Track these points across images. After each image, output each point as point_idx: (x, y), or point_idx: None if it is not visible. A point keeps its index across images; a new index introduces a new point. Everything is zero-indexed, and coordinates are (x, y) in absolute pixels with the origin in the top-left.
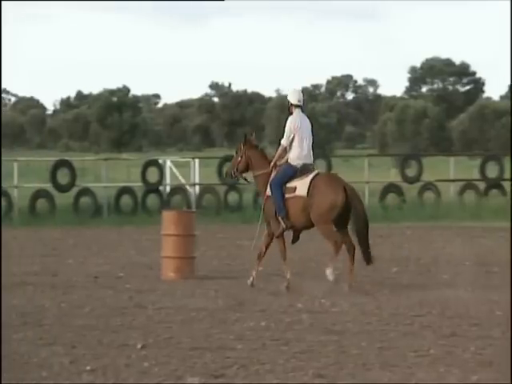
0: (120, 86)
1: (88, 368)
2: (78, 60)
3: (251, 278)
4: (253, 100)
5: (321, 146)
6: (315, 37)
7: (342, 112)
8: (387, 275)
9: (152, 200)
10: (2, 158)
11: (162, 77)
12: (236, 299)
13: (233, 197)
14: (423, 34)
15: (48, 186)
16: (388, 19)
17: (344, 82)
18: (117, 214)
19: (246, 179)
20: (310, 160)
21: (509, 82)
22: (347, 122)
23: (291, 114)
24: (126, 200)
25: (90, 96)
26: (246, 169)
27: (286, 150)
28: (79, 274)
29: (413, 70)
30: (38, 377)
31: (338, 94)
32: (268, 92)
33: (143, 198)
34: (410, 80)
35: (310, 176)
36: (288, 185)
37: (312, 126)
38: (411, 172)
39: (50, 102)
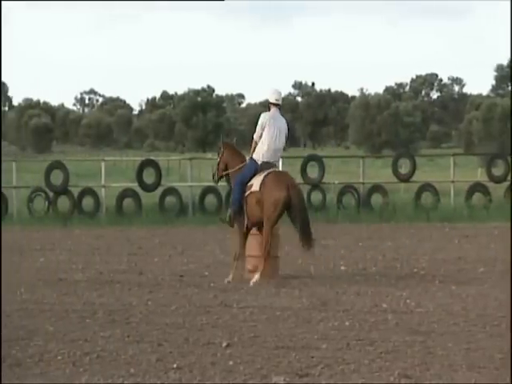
0: (204, 86)
1: (174, 366)
2: (164, 61)
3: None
4: (336, 99)
5: (405, 146)
6: (399, 35)
7: (427, 111)
8: (474, 275)
9: None
10: (91, 158)
11: (245, 77)
12: (320, 299)
13: (316, 196)
14: (510, 32)
15: (134, 185)
16: (474, 17)
17: (429, 80)
18: (202, 213)
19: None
20: (273, 158)
21: None
22: (432, 121)
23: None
24: (210, 199)
25: (175, 96)
26: (226, 169)
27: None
28: (165, 273)
29: (499, 67)
30: (126, 374)
31: (423, 92)
32: (351, 91)
33: (227, 198)
34: (497, 78)
35: (264, 173)
36: (249, 183)
37: (289, 129)
38: (498, 171)
39: (136, 103)
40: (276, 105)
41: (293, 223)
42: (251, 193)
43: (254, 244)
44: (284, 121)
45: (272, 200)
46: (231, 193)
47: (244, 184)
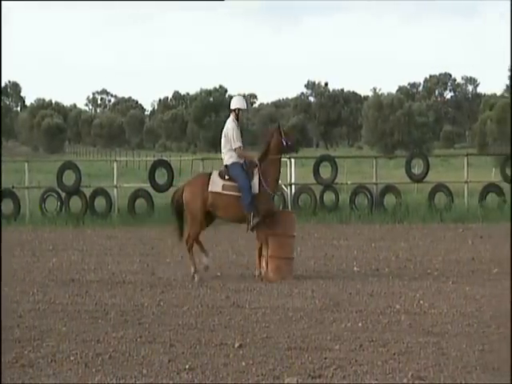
0: (217, 86)
1: (187, 366)
2: (176, 61)
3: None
4: (349, 99)
5: (418, 146)
6: (413, 35)
7: (441, 111)
8: (488, 276)
9: None
10: (103, 158)
11: (258, 77)
12: (333, 299)
13: (329, 196)
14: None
15: (146, 185)
16: (488, 17)
17: (442, 80)
18: None
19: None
20: (224, 160)
21: None
22: (445, 120)
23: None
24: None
25: (187, 96)
26: None
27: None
28: (177, 273)
29: None
30: (139, 374)
31: (436, 92)
32: (364, 91)
33: None
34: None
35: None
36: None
37: (236, 131)
38: None
39: (148, 103)
40: (231, 110)
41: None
42: None
43: (272, 245)
44: (226, 124)
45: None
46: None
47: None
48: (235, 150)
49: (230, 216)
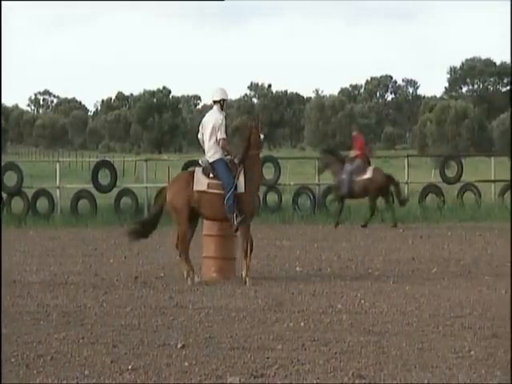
0: (160, 87)
1: (129, 367)
2: (119, 61)
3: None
4: (292, 101)
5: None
6: (354, 37)
7: (382, 112)
8: (427, 276)
9: None
10: (46, 159)
11: (202, 78)
12: (275, 299)
13: (272, 197)
14: (463, 34)
15: (89, 186)
16: (427, 19)
17: (383, 82)
18: None
19: None
20: (209, 153)
21: None
22: (387, 122)
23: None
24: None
25: (130, 97)
26: None
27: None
28: (120, 274)
29: (453, 70)
30: (81, 375)
31: (378, 94)
32: (307, 92)
33: None
34: (450, 80)
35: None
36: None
37: (227, 122)
38: (451, 172)
39: (91, 104)
40: (215, 102)
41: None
42: None
43: (214, 246)
44: (216, 114)
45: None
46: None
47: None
48: (219, 141)
49: (216, 215)
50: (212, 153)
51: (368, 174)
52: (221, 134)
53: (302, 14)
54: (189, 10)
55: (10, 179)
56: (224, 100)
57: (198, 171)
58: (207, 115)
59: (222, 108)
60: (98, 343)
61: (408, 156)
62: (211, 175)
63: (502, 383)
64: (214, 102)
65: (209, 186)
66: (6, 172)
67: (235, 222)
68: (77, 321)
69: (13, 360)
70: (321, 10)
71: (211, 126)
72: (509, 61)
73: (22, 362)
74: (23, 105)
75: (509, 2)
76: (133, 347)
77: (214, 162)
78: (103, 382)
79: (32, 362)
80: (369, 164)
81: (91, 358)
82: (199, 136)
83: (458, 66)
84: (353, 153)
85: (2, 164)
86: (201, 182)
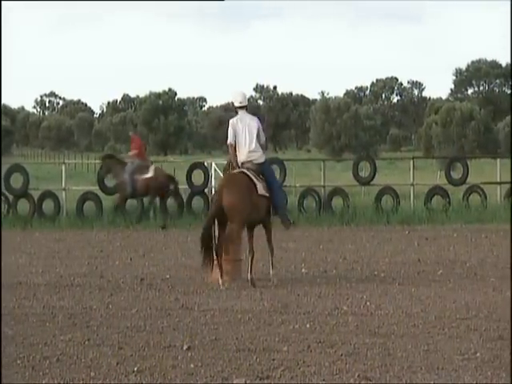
0: (166, 89)
1: (135, 369)
2: (125, 63)
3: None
4: (297, 102)
5: (365, 149)
6: (360, 39)
7: (387, 114)
8: (433, 278)
9: (197, 202)
10: (51, 161)
11: (207, 80)
12: (281, 301)
13: None
14: (468, 36)
15: (95, 188)
16: (433, 21)
17: (389, 84)
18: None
19: None
20: (250, 157)
21: None
22: (392, 124)
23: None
24: (172, 202)
25: (136, 99)
26: None
27: (234, 148)
28: (126, 276)
29: (458, 72)
30: (87, 377)
31: (383, 96)
32: (312, 94)
33: (189, 200)
34: (456, 82)
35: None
36: None
37: (262, 122)
38: (457, 174)
39: (97, 106)
40: (241, 107)
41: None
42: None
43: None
44: (252, 119)
45: (222, 204)
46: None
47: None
48: (263, 144)
49: (260, 218)
50: (259, 155)
51: (150, 173)
52: (263, 137)
53: (308, 15)
54: (192, 11)
55: (16, 181)
56: (234, 106)
57: (251, 174)
58: (245, 119)
59: (236, 113)
60: (103, 345)
61: (413, 158)
62: (261, 177)
63: (501, 383)
64: (243, 106)
65: (264, 188)
66: (12, 174)
67: (291, 220)
68: (82, 323)
69: (19, 361)
70: (327, 11)
71: (256, 130)
72: None
73: (27, 364)
74: (29, 107)
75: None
76: (138, 349)
77: (262, 163)
78: None
79: (38, 364)
80: (149, 163)
81: (97, 359)
82: (232, 140)
83: (464, 68)
84: (131, 153)
85: (8, 166)
86: (261, 186)
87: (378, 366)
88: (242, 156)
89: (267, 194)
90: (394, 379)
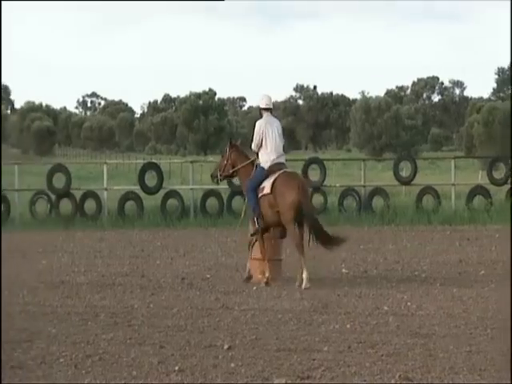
0: (206, 89)
1: (176, 368)
2: (166, 64)
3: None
4: (337, 102)
5: (406, 148)
6: (400, 38)
7: (428, 114)
8: (474, 278)
9: (237, 202)
10: (93, 161)
11: (247, 80)
12: (321, 301)
13: (318, 199)
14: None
15: (136, 188)
16: (475, 20)
17: (430, 83)
18: (203, 216)
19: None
20: (280, 159)
21: None
22: (433, 123)
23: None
24: (212, 202)
25: (176, 99)
26: (231, 173)
27: (256, 154)
28: (167, 275)
29: (500, 71)
30: (128, 376)
31: (424, 95)
32: (353, 94)
33: (229, 200)
34: (498, 81)
35: (275, 175)
36: (261, 185)
37: (283, 128)
38: (499, 174)
39: (138, 106)
40: (267, 109)
41: (299, 226)
42: (263, 195)
43: (257, 247)
44: (277, 121)
45: (287, 204)
46: (246, 200)
47: (255, 189)
48: (283, 145)
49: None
50: (285, 157)
51: None
52: (283, 139)
53: (348, 15)
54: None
55: (59, 181)
56: (260, 107)
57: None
58: (273, 122)
59: (260, 115)
60: (145, 344)
61: (455, 158)
62: None
63: (501, 383)
64: (267, 108)
65: None
66: (54, 174)
67: None
68: (124, 322)
69: (61, 360)
70: (368, 11)
71: (281, 131)
72: None
73: (70, 362)
74: (71, 107)
75: None
76: (179, 348)
77: (284, 164)
78: (150, 383)
79: (80, 363)
80: None
81: (138, 358)
82: (258, 142)
83: (506, 67)
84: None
85: (51, 166)
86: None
87: (419, 366)
88: (272, 156)
89: None
90: (435, 380)
